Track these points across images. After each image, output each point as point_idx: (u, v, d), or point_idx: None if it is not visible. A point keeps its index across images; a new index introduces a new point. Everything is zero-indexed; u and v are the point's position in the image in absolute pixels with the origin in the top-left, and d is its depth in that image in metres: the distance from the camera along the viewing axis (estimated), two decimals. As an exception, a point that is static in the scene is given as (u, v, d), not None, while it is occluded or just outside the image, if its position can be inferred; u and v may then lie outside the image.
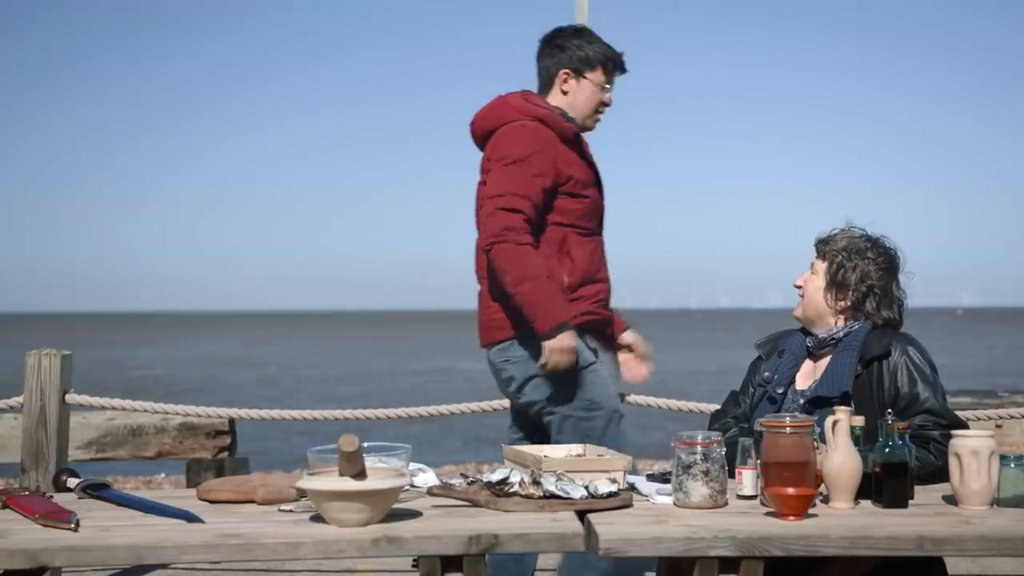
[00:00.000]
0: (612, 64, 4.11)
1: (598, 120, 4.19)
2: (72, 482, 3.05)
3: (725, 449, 2.78)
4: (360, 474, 2.55)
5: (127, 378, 31.35)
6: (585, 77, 4.07)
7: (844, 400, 3.18)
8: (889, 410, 2.96)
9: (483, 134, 4.09)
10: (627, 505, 2.76)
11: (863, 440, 2.81)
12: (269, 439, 16.74)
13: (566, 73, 4.07)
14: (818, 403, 3.23)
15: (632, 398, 4.92)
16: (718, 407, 3.62)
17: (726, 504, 2.75)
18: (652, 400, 4.99)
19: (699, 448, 2.73)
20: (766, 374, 3.43)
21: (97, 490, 2.96)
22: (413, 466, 2.93)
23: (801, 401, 3.29)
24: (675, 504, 2.76)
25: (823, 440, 2.80)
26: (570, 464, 2.93)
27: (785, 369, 3.40)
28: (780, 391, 3.35)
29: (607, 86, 4.11)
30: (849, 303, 3.37)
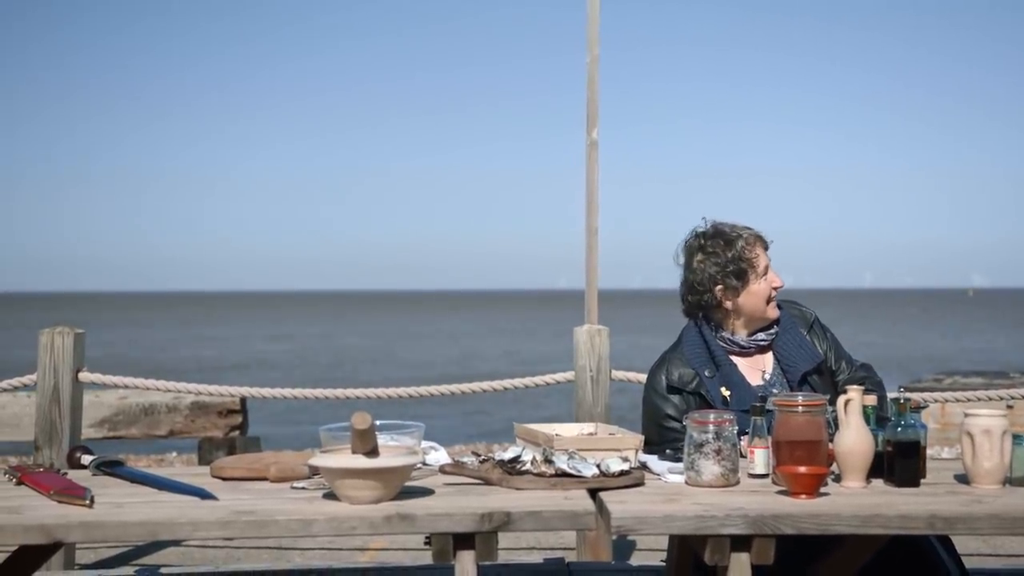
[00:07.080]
0: None
1: None
2: (86, 459, 3.06)
3: (737, 428, 2.78)
4: (372, 452, 2.55)
5: (138, 358, 31.43)
6: None
7: (819, 368, 3.28)
8: (901, 387, 2.96)
9: None
10: (639, 483, 2.76)
11: (873, 419, 2.81)
12: (280, 418, 16.79)
13: None
14: (801, 380, 3.28)
15: (637, 376, 4.90)
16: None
17: (738, 483, 2.75)
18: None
19: (711, 427, 2.72)
20: (726, 393, 3.23)
21: (111, 467, 2.97)
22: (425, 444, 2.94)
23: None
24: (687, 483, 2.76)
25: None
26: (582, 442, 2.93)
27: (740, 383, 3.24)
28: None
29: None
30: None
